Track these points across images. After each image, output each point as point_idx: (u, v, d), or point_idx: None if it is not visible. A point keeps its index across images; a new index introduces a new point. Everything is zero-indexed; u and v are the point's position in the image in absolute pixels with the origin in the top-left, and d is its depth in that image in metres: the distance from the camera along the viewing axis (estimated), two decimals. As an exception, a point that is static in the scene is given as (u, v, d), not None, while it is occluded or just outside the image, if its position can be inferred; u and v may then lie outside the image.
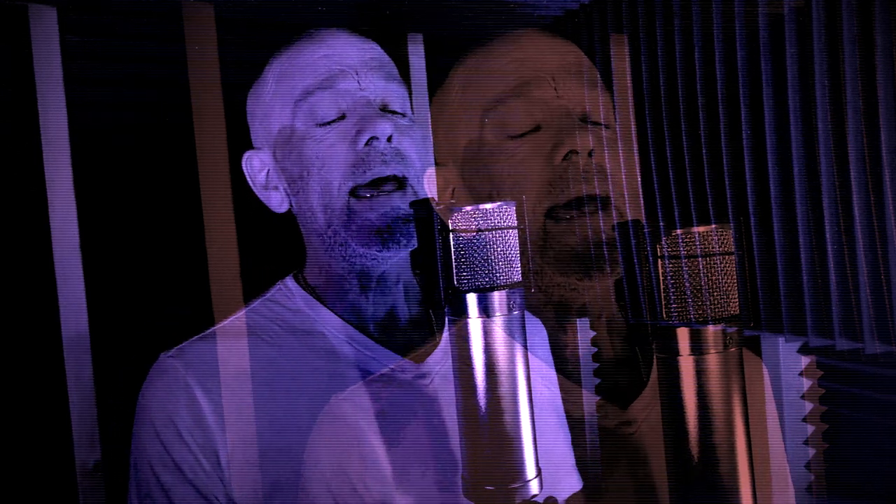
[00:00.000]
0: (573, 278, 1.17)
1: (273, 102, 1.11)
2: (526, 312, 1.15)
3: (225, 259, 1.26)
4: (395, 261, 1.08)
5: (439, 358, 1.06)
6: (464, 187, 1.24)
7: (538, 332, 1.17)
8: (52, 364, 1.22)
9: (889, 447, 1.19)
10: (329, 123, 1.06)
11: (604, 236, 1.15)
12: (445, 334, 1.08)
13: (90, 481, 1.24)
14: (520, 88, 1.18)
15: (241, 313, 1.11)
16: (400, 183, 1.05)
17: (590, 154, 1.15)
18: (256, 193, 1.15)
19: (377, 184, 1.04)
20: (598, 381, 1.25)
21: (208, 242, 1.26)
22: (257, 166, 1.15)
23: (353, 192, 1.04)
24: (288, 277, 1.15)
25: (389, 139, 1.04)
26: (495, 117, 1.19)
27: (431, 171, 1.12)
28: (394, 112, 1.09)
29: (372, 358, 1.06)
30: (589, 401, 1.23)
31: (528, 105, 1.17)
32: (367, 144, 1.04)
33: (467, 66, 1.26)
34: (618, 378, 1.24)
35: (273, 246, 1.30)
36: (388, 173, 1.04)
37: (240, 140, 1.29)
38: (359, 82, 1.07)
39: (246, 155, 1.16)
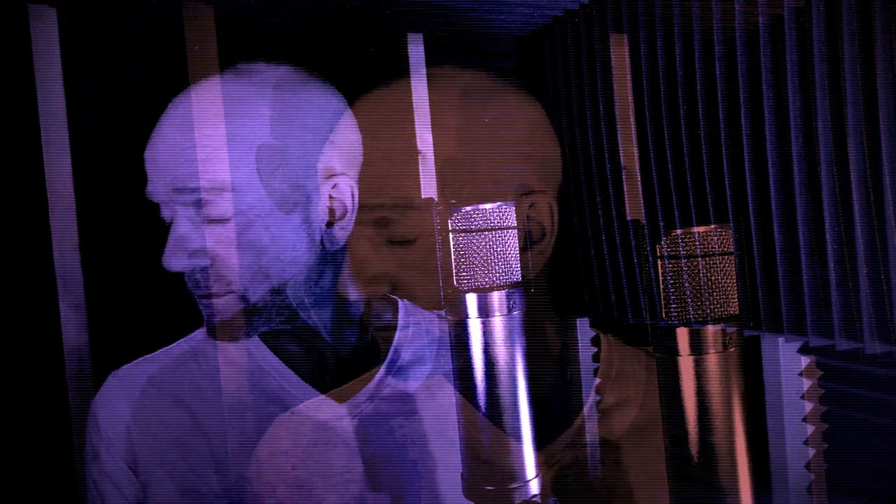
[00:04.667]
0: None
1: None
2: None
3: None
4: (298, 322, 1.07)
5: (360, 402, 1.07)
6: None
7: None
8: (53, 364, 1.22)
9: (889, 447, 1.19)
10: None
11: None
12: (376, 378, 1.10)
13: (90, 481, 1.24)
14: None
15: (194, 334, 1.14)
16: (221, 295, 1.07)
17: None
18: None
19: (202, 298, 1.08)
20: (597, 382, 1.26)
21: (208, 242, 1.26)
22: None
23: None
24: None
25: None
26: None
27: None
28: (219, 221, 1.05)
29: (295, 396, 1.07)
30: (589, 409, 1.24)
31: None
32: None
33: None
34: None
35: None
36: (203, 293, 1.06)
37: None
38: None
39: None
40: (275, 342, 1.09)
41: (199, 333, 1.12)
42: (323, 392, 1.08)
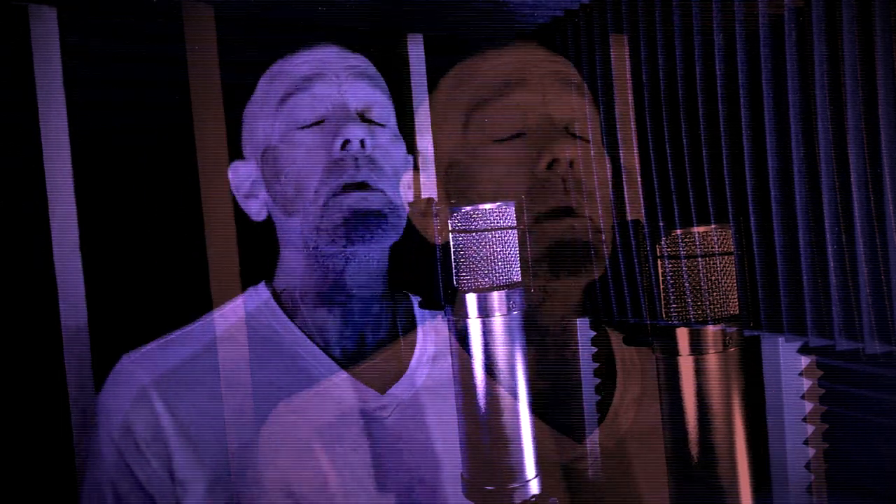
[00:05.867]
0: (562, 277, 1.17)
1: (258, 110, 1.12)
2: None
3: (225, 259, 1.26)
4: (367, 280, 1.08)
5: (403, 388, 1.08)
6: (443, 192, 1.23)
7: None
8: (53, 362, 1.22)
9: (889, 447, 1.19)
10: (308, 127, 1.07)
11: (590, 235, 1.15)
12: (412, 362, 1.12)
13: (90, 481, 1.24)
14: (504, 90, 1.18)
15: (210, 317, 1.12)
16: (371, 189, 1.06)
17: (571, 164, 1.14)
18: (238, 202, 1.17)
19: (349, 188, 1.04)
20: (597, 383, 1.26)
21: (208, 242, 1.26)
22: (243, 176, 1.16)
23: (328, 197, 1.05)
24: (260, 284, 1.15)
25: (363, 144, 1.04)
26: (480, 119, 1.19)
27: (409, 176, 1.16)
28: (372, 121, 1.09)
29: (333, 382, 1.07)
30: (589, 413, 1.24)
31: (513, 109, 1.17)
32: (342, 148, 1.04)
33: (456, 70, 1.26)
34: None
35: (273, 246, 1.30)
36: (360, 178, 1.04)
37: (240, 140, 1.29)
38: (339, 87, 1.08)
39: (233, 164, 1.17)
40: (312, 320, 1.10)
41: (221, 317, 1.12)
42: (350, 372, 1.09)
